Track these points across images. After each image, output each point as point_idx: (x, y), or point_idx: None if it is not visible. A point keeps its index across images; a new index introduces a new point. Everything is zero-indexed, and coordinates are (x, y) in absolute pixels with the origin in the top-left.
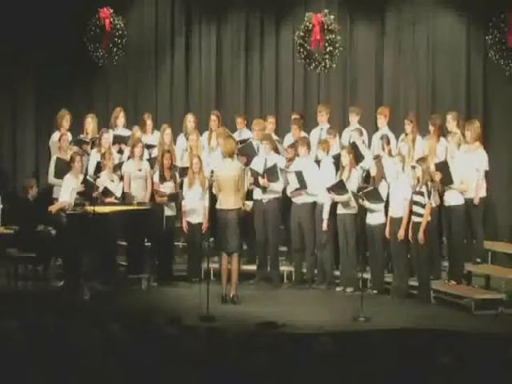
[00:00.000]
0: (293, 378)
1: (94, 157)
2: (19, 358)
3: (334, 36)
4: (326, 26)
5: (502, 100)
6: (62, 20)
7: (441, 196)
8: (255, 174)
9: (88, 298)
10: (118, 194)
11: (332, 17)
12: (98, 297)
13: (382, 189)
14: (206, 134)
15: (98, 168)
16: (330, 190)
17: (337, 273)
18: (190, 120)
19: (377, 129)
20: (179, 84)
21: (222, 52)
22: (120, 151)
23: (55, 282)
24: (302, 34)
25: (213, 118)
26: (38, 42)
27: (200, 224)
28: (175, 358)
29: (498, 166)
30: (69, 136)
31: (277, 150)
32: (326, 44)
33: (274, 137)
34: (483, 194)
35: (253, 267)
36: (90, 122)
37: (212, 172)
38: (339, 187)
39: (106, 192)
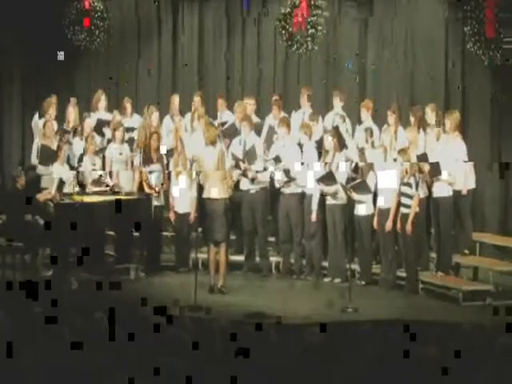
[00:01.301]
0: (280, 368)
1: (79, 144)
2: (8, 348)
3: (316, 18)
4: (312, 2)
5: (481, 90)
6: (42, 4)
7: (429, 187)
8: (236, 158)
9: (76, 287)
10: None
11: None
12: (85, 287)
13: (371, 180)
14: (188, 115)
15: (82, 156)
16: (319, 181)
17: (325, 263)
18: (176, 101)
19: (359, 119)
20: (163, 67)
21: (203, 33)
22: (102, 134)
23: (43, 272)
24: (286, 12)
25: (196, 98)
26: (19, 29)
27: (188, 214)
28: (162, 348)
29: (486, 156)
30: (54, 124)
31: (258, 132)
32: (308, 26)
33: (255, 118)
34: (472, 185)
35: (241, 257)
36: (72, 112)
37: (193, 157)
38: (328, 178)
39: (98, 181)
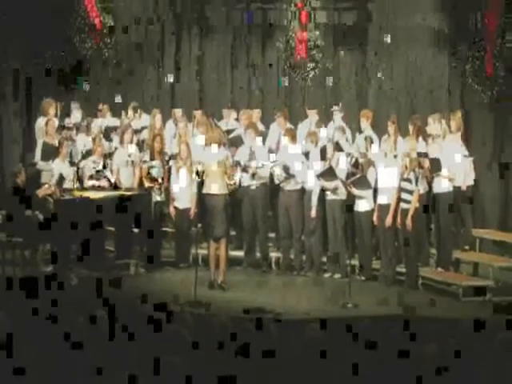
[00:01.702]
0: (280, 364)
1: (82, 142)
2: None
3: (315, 52)
4: (311, 42)
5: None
6: (47, 8)
7: (429, 183)
8: (240, 165)
9: (76, 283)
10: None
11: (317, 33)
12: (85, 282)
13: (371, 175)
14: (194, 121)
15: (88, 153)
16: (320, 176)
17: (325, 259)
18: (177, 111)
19: (359, 128)
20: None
21: (206, 62)
22: (109, 139)
23: (43, 268)
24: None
25: (198, 112)
26: (24, 29)
27: (188, 209)
28: (161, 344)
29: (486, 153)
30: (55, 121)
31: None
32: (308, 60)
33: (260, 126)
34: (470, 182)
35: (240, 253)
36: (75, 108)
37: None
38: (329, 174)
39: (97, 176)
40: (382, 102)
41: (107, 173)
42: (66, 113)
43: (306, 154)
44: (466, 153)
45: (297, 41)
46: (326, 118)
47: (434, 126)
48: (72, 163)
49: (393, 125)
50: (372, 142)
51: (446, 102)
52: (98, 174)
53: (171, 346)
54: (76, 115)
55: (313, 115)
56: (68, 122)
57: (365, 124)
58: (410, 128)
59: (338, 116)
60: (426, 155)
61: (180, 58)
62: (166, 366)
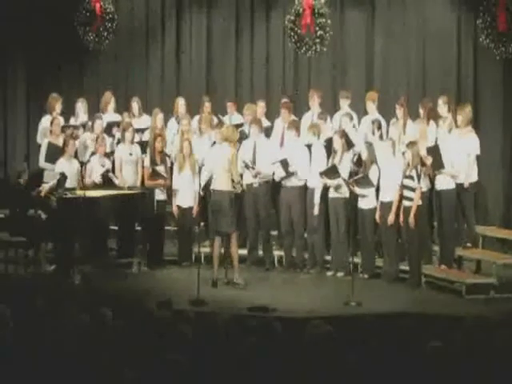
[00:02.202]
0: (284, 362)
1: (88, 140)
2: (10, 342)
3: (324, 20)
4: (316, 10)
5: (492, 84)
6: (51, 4)
7: (432, 180)
8: (246, 164)
9: (79, 282)
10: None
11: (322, 0)
12: (88, 281)
13: (373, 173)
14: (196, 117)
15: (91, 153)
16: (323, 174)
17: (327, 257)
18: (181, 104)
19: (367, 113)
20: (170, 68)
21: (212, 36)
22: (111, 135)
23: (46, 267)
24: (292, 17)
25: (206, 104)
26: (28, 26)
27: (191, 208)
28: (165, 342)
29: (489, 149)
30: (61, 120)
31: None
32: (317, 28)
33: (265, 121)
34: (474, 178)
35: (244, 251)
36: (81, 107)
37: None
38: (332, 172)
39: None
40: (390, 70)
41: (113, 178)
42: (70, 110)
43: (309, 147)
44: (476, 149)
45: (304, 5)
46: (331, 105)
47: (444, 107)
48: (81, 163)
49: (401, 108)
50: (380, 126)
51: (456, 62)
52: (103, 176)
53: (174, 344)
54: (82, 113)
55: (315, 105)
56: (73, 120)
57: (371, 107)
58: (421, 112)
59: (345, 104)
60: (437, 150)
61: (182, 38)
62: (169, 364)
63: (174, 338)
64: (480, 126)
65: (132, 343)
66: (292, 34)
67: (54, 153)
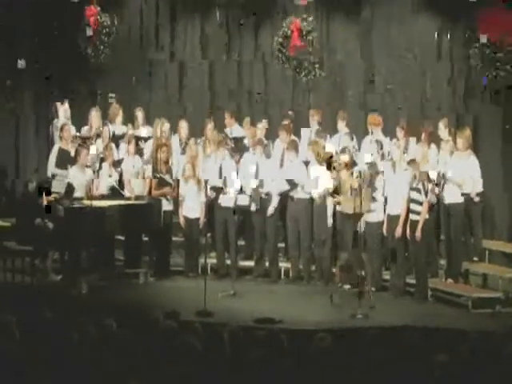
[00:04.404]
0: (290, 374)
1: (98, 149)
2: (16, 351)
3: (312, 38)
4: (304, 32)
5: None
6: (59, 16)
7: (437, 196)
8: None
9: (85, 292)
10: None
11: (311, 19)
12: (95, 291)
13: (379, 186)
14: (200, 140)
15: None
16: (333, 193)
17: (334, 270)
18: (183, 126)
19: (367, 132)
20: (168, 83)
21: (207, 53)
22: (117, 147)
23: (53, 276)
24: (280, 39)
25: (208, 126)
26: (36, 35)
27: (197, 219)
28: (172, 353)
29: (495, 164)
30: (71, 128)
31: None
32: (310, 49)
33: (265, 142)
34: (480, 188)
35: (250, 263)
36: (95, 116)
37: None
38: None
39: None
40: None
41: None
42: (80, 119)
43: (307, 164)
44: (478, 172)
45: (293, 28)
46: (329, 123)
47: (445, 130)
48: (93, 172)
49: (402, 130)
50: (382, 147)
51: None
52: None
53: (181, 356)
54: (95, 117)
55: (314, 123)
56: (84, 132)
57: (374, 129)
58: (423, 136)
59: (342, 124)
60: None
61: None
62: (175, 375)
63: (180, 349)
64: (479, 145)
65: (138, 354)
66: (280, 55)
67: (65, 159)
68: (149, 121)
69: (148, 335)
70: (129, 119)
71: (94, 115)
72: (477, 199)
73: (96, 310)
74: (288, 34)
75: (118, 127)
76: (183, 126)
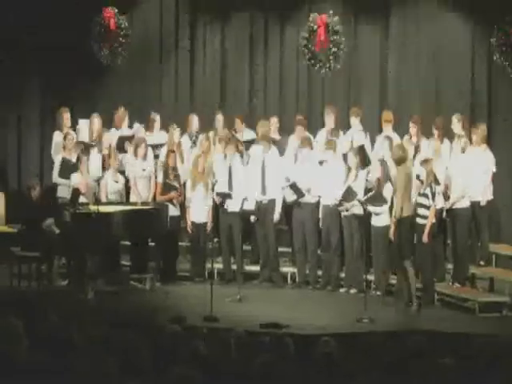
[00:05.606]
0: (296, 379)
1: (96, 157)
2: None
3: (338, 37)
4: (330, 27)
5: (506, 102)
6: (66, 20)
7: (445, 198)
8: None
9: (92, 297)
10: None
11: (336, 18)
12: (101, 297)
13: (387, 191)
14: (211, 134)
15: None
16: (343, 200)
17: (341, 274)
18: (194, 121)
19: (380, 131)
20: (183, 84)
21: (225, 53)
22: (123, 150)
23: (59, 282)
24: (306, 35)
25: (218, 118)
26: (43, 41)
27: (204, 224)
28: (178, 358)
29: (502, 167)
30: (74, 135)
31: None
32: (331, 45)
33: (277, 136)
34: (490, 196)
35: (257, 268)
36: (96, 123)
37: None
38: (348, 194)
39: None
40: (403, 87)
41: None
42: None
43: (321, 163)
44: (492, 166)
45: (319, 22)
46: (344, 121)
47: (458, 125)
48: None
49: (415, 127)
50: (392, 143)
51: (470, 80)
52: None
53: (187, 360)
54: (96, 124)
55: (331, 121)
56: (89, 137)
57: (386, 127)
58: (435, 131)
59: (356, 121)
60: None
61: (196, 55)
62: (182, 379)
63: (187, 354)
64: (493, 143)
65: (143, 358)
66: (306, 51)
67: (68, 168)
68: (164, 125)
69: (154, 340)
70: (139, 121)
71: (96, 122)
72: (483, 203)
73: (102, 315)
74: (314, 28)
75: (123, 130)
76: (194, 120)
